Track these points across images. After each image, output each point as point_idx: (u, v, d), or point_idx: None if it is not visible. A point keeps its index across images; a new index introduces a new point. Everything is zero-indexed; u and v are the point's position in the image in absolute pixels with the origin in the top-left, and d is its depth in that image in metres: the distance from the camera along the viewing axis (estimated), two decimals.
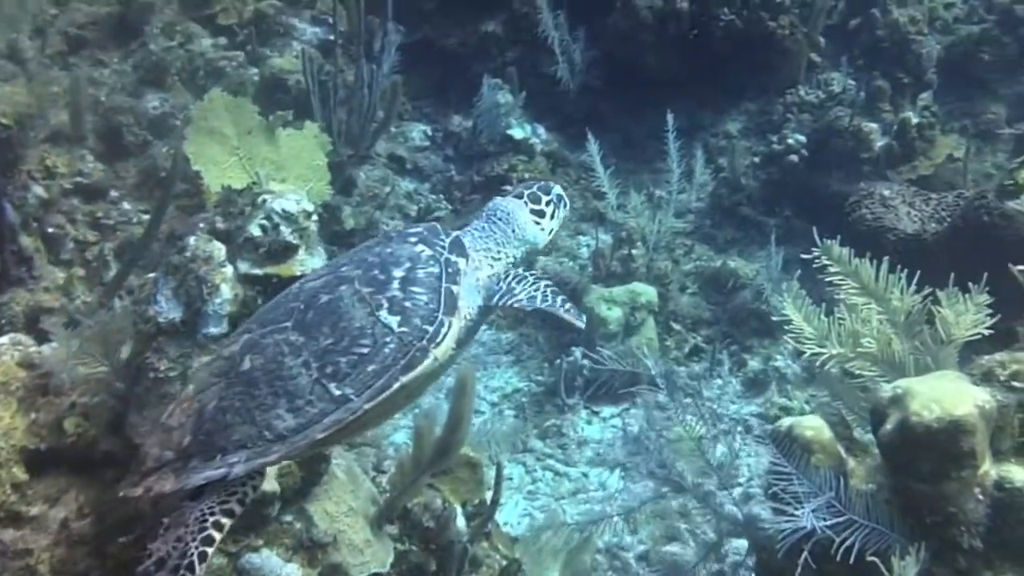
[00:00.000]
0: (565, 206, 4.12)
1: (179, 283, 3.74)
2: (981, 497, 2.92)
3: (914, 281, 3.10)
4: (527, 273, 3.70)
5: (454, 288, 3.47)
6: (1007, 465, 2.91)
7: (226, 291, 3.73)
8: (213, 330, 3.71)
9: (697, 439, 6.61)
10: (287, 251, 3.85)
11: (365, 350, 3.22)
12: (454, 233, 3.75)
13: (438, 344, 3.32)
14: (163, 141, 6.95)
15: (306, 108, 6.91)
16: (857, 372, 3.07)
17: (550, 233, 4.02)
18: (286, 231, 3.86)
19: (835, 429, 3.30)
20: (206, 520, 3.06)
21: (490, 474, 4.73)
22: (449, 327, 3.36)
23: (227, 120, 4.75)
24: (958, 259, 3.86)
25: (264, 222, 3.84)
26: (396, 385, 3.20)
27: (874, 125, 7.29)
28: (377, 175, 7.76)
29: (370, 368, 3.20)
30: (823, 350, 3.01)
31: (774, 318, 4.43)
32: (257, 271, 3.80)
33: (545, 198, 3.98)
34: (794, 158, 7.37)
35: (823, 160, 7.42)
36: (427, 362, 3.27)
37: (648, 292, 7.04)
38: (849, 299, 3.03)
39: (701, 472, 5.32)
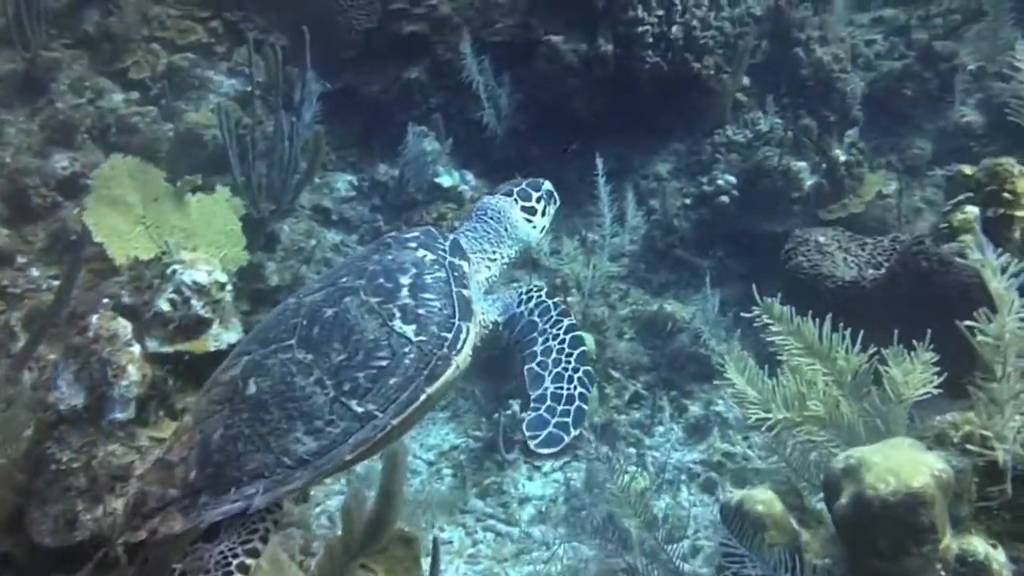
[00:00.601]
0: (555, 202, 4.07)
1: (81, 366, 3.51)
2: (943, 574, 2.82)
3: (859, 338, 3.00)
4: (548, 301, 3.54)
5: (465, 292, 3.37)
6: (968, 537, 2.82)
7: (133, 373, 3.52)
8: (119, 415, 3.49)
9: (641, 491, 6.53)
10: (199, 326, 3.65)
11: (384, 363, 3.10)
12: (451, 236, 3.67)
13: (459, 351, 3.22)
14: (73, 203, 6.66)
15: (224, 164, 6.70)
16: (805, 437, 2.96)
17: (542, 231, 3.96)
18: (198, 305, 3.67)
19: (785, 499, 3.19)
20: (229, 563, 2.87)
21: (429, 545, 4.54)
22: (468, 333, 3.26)
23: (131, 187, 4.53)
24: (898, 307, 3.83)
25: (174, 296, 3.64)
26: (422, 397, 3.11)
27: (803, 164, 7.34)
28: (302, 228, 7.56)
29: (392, 381, 3.08)
30: (768, 415, 2.90)
31: (715, 362, 4.36)
32: (167, 349, 3.59)
33: (535, 194, 3.92)
34: (725, 199, 7.38)
35: (754, 200, 7.44)
36: (450, 371, 3.18)
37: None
38: (792, 359, 2.93)
39: (647, 526, 5.18)
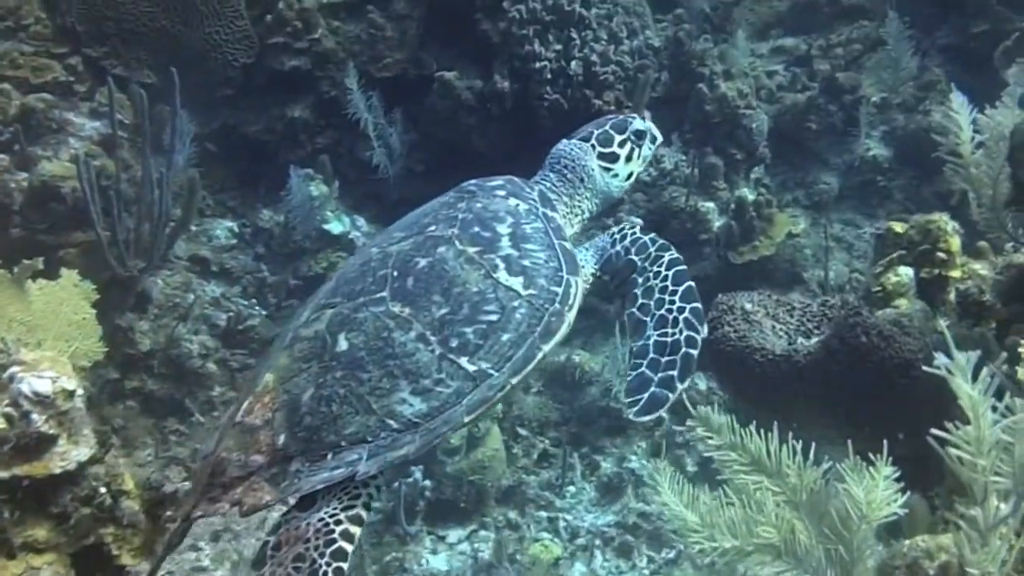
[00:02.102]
0: (653, 141, 3.69)
1: None
2: None
3: (811, 451, 2.70)
4: (644, 236, 3.27)
5: (567, 244, 3.14)
6: None
7: None
8: None
9: (554, 560, 6.27)
10: (42, 444, 3.18)
11: (493, 317, 2.90)
12: (536, 186, 3.46)
13: (571, 307, 3.01)
14: None
15: (86, 218, 6.17)
16: (757, 568, 2.64)
17: (628, 179, 3.63)
18: (39, 419, 3.20)
19: None
20: (332, 531, 2.67)
21: None
22: (576, 288, 3.04)
23: None
24: (836, 384, 3.66)
25: (9, 410, 3.17)
26: (539, 355, 2.90)
27: (711, 204, 7.22)
28: (177, 282, 7.07)
29: (504, 337, 2.88)
30: (714, 544, 2.60)
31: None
32: (2, 474, 3.12)
33: (618, 137, 3.58)
34: None
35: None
36: (563, 328, 2.97)
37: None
38: (736, 477, 2.65)
39: None
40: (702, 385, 6.80)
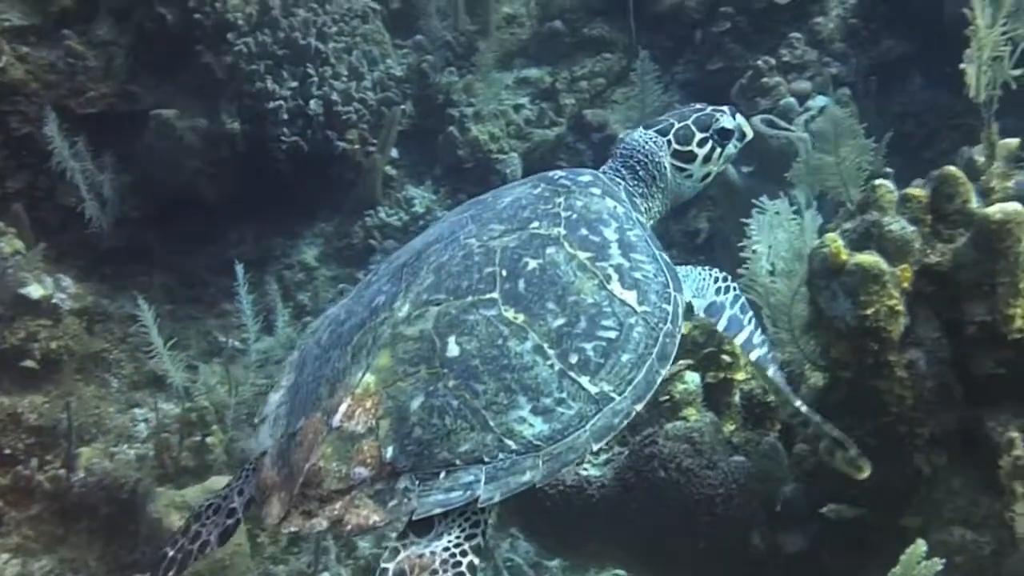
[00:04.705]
0: (741, 139, 3.40)
1: None
2: None
3: None
4: (743, 296, 3.08)
5: (667, 256, 2.97)
6: None
7: None
8: None
9: None
10: None
11: (612, 334, 2.70)
12: (619, 182, 3.24)
13: (680, 328, 2.83)
14: None
15: None
16: None
17: (704, 179, 3.37)
18: None
19: None
20: (460, 562, 2.46)
21: None
22: (682, 308, 2.88)
23: None
24: (636, 524, 3.33)
25: None
26: (658, 379, 2.73)
27: None
28: None
29: (624, 358, 2.68)
30: None
31: None
32: None
33: (699, 135, 3.29)
34: None
35: None
36: (675, 351, 2.79)
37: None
38: None
39: None
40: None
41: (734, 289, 3.09)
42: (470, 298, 2.72)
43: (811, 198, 3.75)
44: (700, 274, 3.10)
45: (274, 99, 6.46)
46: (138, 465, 6.10)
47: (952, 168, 3.09)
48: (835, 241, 3.06)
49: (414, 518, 2.48)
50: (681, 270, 3.05)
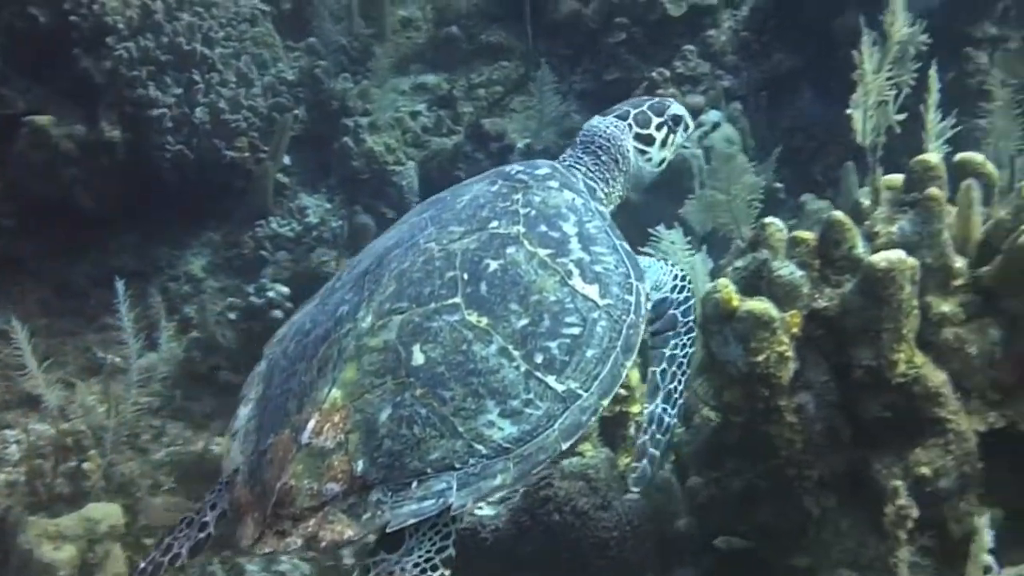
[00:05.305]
0: (686, 128, 3.53)
1: None
2: None
3: None
4: (694, 298, 3.10)
5: (627, 245, 3.01)
6: None
7: None
8: None
9: None
10: None
11: (576, 331, 2.74)
12: (574, 171, 3.26)
13: (643, 318, 2.87)
14: None
15: None
16: None
17: (660, 165, 3.45)
18: None
19: None
20: None
21: None
22: (645, 297, 2.91)
23: None
24: (530, 567, 3.28)
25: None
26: (624, 372, 2.76)
27: None
28: None
29: (589, 353, 2.73)
30: None
31: None
32: None
33: (656, 120, 3.40)
34: (278, 313, 6.44)
35: None
36: (639, 341, 2.83)
37: (109, 513, 5.59)
38: None
39: None
40: None
41: (687, 290, 3.13)
42: (433, 305, 2.74)
43: (704, 231, 3.79)
44: (661, 268, 3.17)
45: (157, 106, 6.17)
46: (8, 492, 5.76)
47: (839, 214, 3.14)
48: (726, 287, 3.08)
49: (388, 530, 2.51)
50: (643, 261, 3.10)
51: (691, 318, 3.09)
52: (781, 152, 7.07)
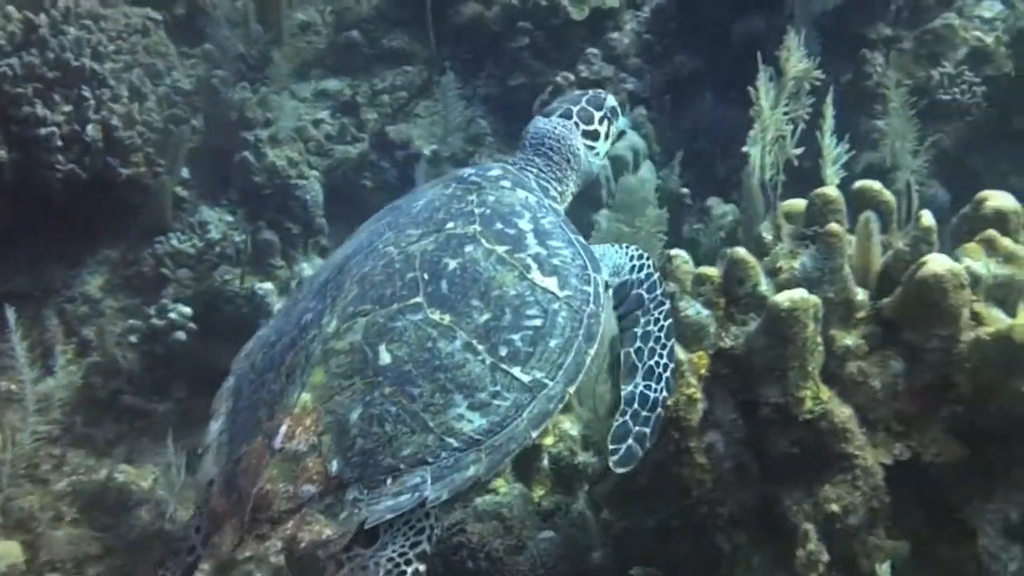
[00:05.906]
0: (619, 119, 3.65)
1: None
2: None
3: None
4: (656, 274, 3.10)
5: (582, 239, 3.08)
6: None
7: None
8: None
9: None
10: None
11: (538, 322, 2.81)
12: (529, 172, 3.35)
13: (603, 308, 2.94)
14: None
15: None
16: None
17: (604, 156, 3.58)
18: None
19: None
20: (404, 571, 2.51)
21: None
22: (603, 287, 2.98)
23: None
24: None
25: None
26: (587, 360, 2.83)
27: (269, 285, 6.48)
28: None
29: (552, 344, 2.80)
30: None
31: None
32: None
33: (598, 114, 3.51)
34: (181, 335, 6.24)
35: (217, 328, 6.43)
36: (601, 330, 2.90)
37: (8, 552, 5.38)
38: None
39: None
40: None
41: (648, 268, 3.16)
42: (395, 305, 2.80)
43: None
44: (616, 252, 3.21)
45: (45, 125, 5.88)
46: None
47: (741, 251, 3.18)
48: None
49: (366, 526, 2.54)
50: (597, 250, 3.16)
51: (657, 292, 3.12)
52: (685, 155, 7.15)
